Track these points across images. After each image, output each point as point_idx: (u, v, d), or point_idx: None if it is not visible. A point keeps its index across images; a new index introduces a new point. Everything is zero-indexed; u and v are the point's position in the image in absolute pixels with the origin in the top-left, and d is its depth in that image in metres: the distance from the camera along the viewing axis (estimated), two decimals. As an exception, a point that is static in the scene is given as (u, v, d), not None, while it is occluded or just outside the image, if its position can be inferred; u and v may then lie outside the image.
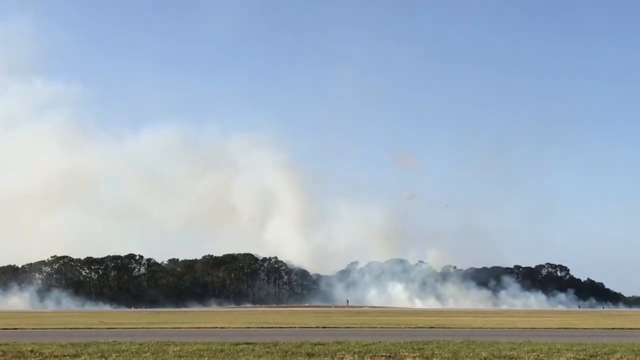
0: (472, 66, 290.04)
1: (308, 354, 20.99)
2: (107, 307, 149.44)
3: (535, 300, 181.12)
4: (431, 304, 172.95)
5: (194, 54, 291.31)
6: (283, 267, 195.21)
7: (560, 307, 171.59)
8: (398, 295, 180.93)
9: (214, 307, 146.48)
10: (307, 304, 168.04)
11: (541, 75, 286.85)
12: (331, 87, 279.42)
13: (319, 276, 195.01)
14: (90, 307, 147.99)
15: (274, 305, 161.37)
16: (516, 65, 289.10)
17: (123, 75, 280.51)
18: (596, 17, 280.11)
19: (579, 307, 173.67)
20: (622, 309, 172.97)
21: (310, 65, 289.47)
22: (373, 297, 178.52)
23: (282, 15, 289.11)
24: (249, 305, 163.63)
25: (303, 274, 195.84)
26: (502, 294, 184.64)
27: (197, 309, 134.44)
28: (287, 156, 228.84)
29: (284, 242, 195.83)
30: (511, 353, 21.48)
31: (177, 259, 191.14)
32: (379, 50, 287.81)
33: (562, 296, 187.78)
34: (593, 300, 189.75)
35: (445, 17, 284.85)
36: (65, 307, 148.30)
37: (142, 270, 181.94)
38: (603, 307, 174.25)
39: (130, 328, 39.76)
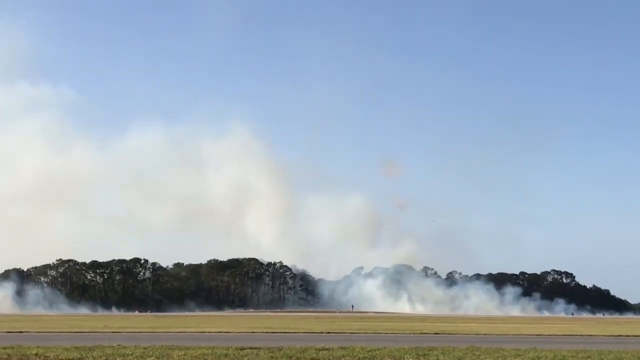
0: (453, 70, 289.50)
1: (313, 359, 20.98)
2: (111, 311, 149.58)
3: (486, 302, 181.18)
4: (400, 306, 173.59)
5: (181, 54, 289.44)
6: (288, 272, 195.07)
7: (515, 312, 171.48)
8: (373, 294, 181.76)
9: (218, 312, 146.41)
10: (311, 309, 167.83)
11: (520, 79, 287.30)
12: (314, 89, 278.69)
13: (323, 281, 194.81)
14: (95, 311, 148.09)
15: (279, 310, 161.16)
16: (495, 69, 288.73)
17: (110, 78, 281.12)
18: (571, 23, 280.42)
19: (572, 314, 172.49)
20: (628, 316, 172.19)
21: (294, 66, 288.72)
22: (353, 297, 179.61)
23: (265, 17, 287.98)
24: (253, 309, 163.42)
25: (308, 279, 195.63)
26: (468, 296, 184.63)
27: (201, 313, 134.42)
28: (278, 157, 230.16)
29: (280, 243, 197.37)
30: (516, 359, 21.44)
31: (182, 263, 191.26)
32: (361, 53, 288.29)
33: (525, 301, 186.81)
34: (590, 307, 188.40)
35: (425, 21, 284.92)
36: (69, 310, 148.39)
37: (147, 274, 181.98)
38: (603, 314, 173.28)
39: (134, 332, 39.78)
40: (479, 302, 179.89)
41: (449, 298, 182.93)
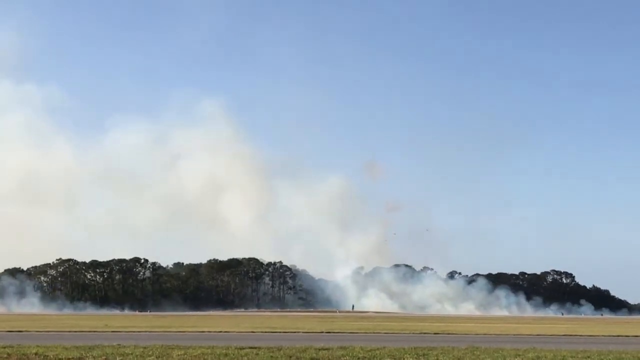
0: (434, 67, 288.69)
1: (312, 359, 20.98)
2: (111, 311, 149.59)
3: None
4: (370, 303, 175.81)
5: (166, 51, 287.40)
6: (288, 272, 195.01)
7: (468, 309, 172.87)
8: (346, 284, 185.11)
9: (218, 311, 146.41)
10: (311, 309, 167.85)
11: (495, 76, 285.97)
12: (294, 83, 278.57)
13: (323, 281, 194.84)
14: (95, 310, 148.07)
15: (279, 310, 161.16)
16: (472, 66, 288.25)
17: (95, 75, 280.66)
18: (552, 20, 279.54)
19: (562, 314, 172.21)
20: (624, 316, 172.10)
21: (274, 60, 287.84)
22: (331, 292, 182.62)
23: (242, 9, 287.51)
24: (253, 309, 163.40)
25: (308, 278, 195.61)
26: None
27: (201, 312, 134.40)
28: (261, 153, 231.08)
29: (261, 238, 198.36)
30: (515, 359, 21.44)
31: (182, 263, 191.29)
32: (339, 49, 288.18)
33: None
34: (584, 307, 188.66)
35: (405, 18, 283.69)
36: (69, 310, 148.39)
37: (147, 274, 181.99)
38: (602, 315, 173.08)
39: (134, 331, 39.78)
40: (433, 297, 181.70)
41: (403, 293, 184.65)
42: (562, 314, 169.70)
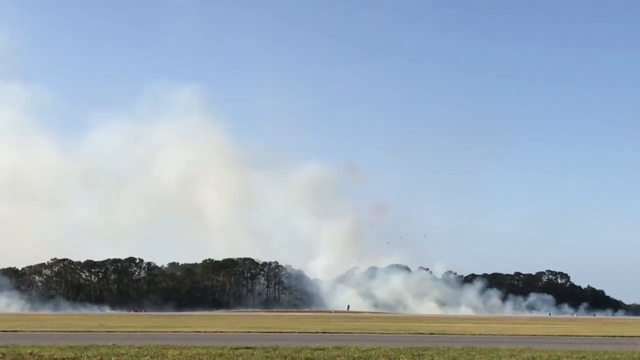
0: (406, 65, 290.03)
1: (308, 359, 20.97)
2: (106, 310, 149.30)
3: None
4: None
5: (154, 47, 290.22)
6: (283, 272, 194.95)
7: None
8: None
9: (213, 312, 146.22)
10: (306, 309, 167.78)
11: (474, 74, 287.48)
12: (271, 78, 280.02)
13: (318, 281, 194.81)
14: (90, 310, 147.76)
15: (274, 310, 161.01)
16: (449, 64, 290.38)
17: (82, 75, 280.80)
18: (526, 18, 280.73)
19: (549, 314, 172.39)
20: (620, 316, 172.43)
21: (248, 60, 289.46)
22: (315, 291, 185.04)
23: (229, 10, 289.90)
24: (248, 309, 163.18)
25: (303, 278, 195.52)
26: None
27: (196, 313, 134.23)
28: (242, 148, 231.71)
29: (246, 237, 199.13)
30: (510, 359, 21.46)
31: (177, 263, 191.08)
32: (319, 45, 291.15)
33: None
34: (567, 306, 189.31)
35: (388, 16, 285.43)
36: (64, 310, 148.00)
37: (142, 273, 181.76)
38: (595, 315, 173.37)
39: (129, 331, 39.71)
40: (394, 293, 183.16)
41: (367, 289, 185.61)
42: (550, 314, 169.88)
